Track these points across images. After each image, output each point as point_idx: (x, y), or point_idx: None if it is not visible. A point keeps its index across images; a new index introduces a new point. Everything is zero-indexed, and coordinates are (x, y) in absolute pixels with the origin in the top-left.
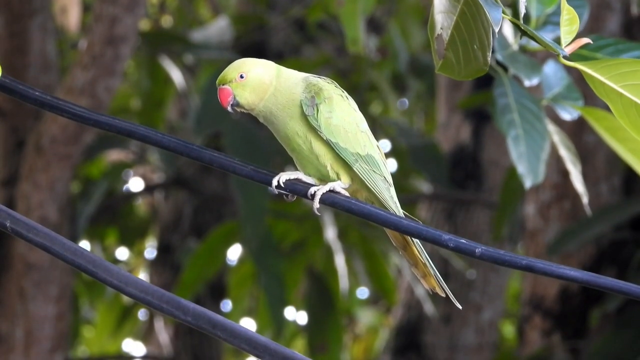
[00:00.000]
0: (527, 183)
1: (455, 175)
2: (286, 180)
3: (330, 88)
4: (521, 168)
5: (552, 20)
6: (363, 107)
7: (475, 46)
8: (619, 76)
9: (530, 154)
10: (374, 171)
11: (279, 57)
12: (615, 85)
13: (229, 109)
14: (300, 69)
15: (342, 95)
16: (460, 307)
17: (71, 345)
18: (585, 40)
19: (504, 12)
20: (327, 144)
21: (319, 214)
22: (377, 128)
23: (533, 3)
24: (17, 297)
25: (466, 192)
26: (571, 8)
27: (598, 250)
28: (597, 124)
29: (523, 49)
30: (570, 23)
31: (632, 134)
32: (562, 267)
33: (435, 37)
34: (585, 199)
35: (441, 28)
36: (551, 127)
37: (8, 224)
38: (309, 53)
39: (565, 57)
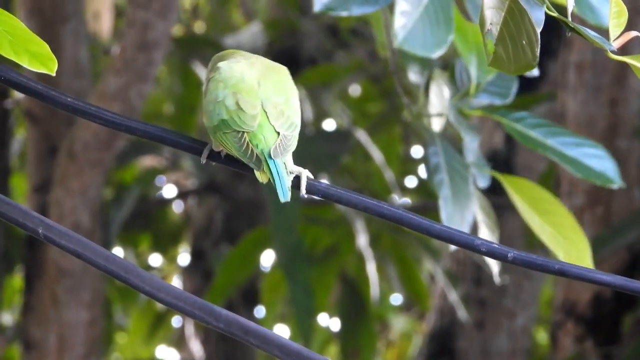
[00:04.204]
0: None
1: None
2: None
3: (211, 77)
4: None
5: (488, 89)
6: (395, 112)
7: (524, 42)
8: None
9: (457, 217)
10: (225, 133)
11: (311, 63)
12: None
13: None
14: (332, 75)
15: (213, 77)
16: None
17: (104, 352)
18: (634, 33)
19: (546, 11)
20: None
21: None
22: (410, 133)
23: (474, 68)
24: (50, 303)
25: (499, 197)
26: (619, 0)
27: (631, 256)
28: (518, 195)
29: (459, 111)
30: (618, 16)
31: None
32: (595, 272)
33: (486, 32)
34: (495, 269)
35: (490, 24)
36: (472, 190)
37: (41, 231)
38: (342, 58)
39: (613, 52)
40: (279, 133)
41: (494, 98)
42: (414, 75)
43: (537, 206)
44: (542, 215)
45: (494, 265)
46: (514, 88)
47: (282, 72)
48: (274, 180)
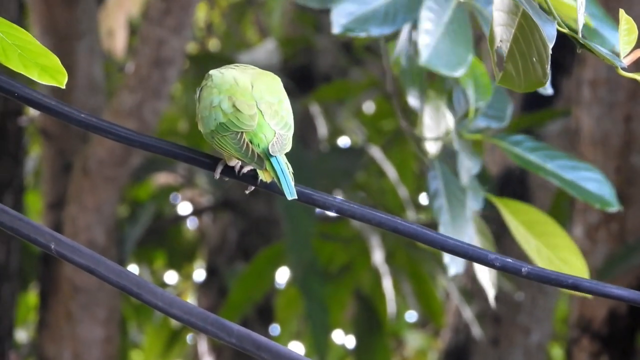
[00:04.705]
0: (451, 271)
1: (503, 197)
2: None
3: (203, 85)
4: (447, 257)
5: (485, 112)
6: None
7: (534, 59)
8: None
9: None
10: (224, 136)
11: (326, 80)
12: None
13: None
14: (347, 91)
15: (205, 84)
16: None
17: None
18: None
19: (558, 27)
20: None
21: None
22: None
23: (471, 92)
24: (65, 320)
25: None
26: (629, 18)
27: None
28: (513, 217)
29: (459, 135)
30: (628, 33)
31: None
32: (609, 286)
33: (495, 50)
34: (490, 294)
35: (500, 41)
36: (470, 214)
37: (53, 246)
38: (356, 75)
39: (623, 69)
40: (275, 131)
41: (491, 121)
42: (413, 100)
43: (534, 228)
44: (538, 237)
45: (489, 289)
46: (509, 111)
47: (274, 77)
48: (278, 179)
